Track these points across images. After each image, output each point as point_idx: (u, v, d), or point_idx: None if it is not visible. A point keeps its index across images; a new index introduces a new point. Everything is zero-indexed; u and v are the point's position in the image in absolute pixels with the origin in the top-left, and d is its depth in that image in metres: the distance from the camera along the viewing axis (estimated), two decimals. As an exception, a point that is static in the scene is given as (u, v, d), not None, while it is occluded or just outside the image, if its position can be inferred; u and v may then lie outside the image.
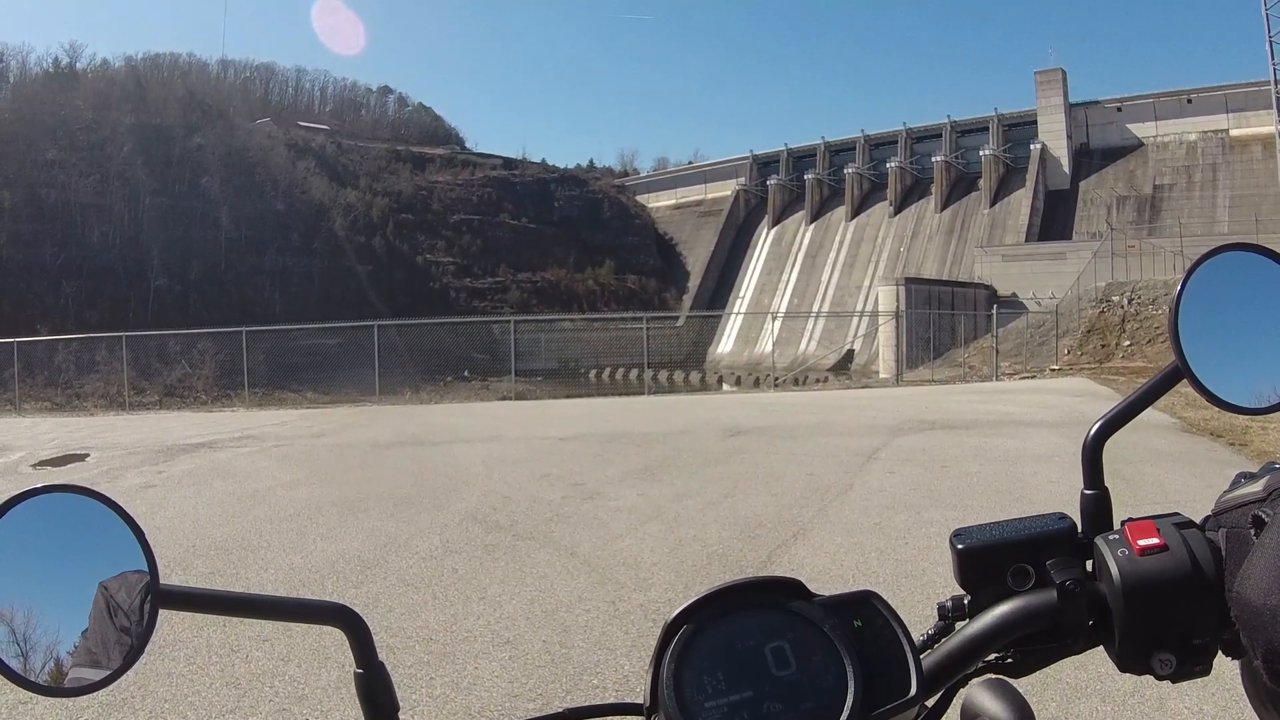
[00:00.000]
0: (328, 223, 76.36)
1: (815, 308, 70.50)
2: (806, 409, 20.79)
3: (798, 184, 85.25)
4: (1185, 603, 0.95)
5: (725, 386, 48.27)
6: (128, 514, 0.90)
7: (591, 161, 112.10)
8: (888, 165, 79.82)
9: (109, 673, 0.86)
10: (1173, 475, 11.02)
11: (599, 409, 22.84)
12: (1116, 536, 1.00)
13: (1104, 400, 21.58)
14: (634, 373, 40.11)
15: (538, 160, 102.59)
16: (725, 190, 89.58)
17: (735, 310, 76.37)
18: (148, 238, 64.32)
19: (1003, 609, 1.01)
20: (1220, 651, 0.98)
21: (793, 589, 1.00)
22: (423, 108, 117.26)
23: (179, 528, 9.54)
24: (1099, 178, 71.12)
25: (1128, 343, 36.29)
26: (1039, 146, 72.07)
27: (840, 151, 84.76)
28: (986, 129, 77.16)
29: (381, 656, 1.03)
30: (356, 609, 1.01)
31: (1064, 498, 10.50)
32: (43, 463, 14.85)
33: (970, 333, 41.32)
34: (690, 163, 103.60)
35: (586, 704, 1.09)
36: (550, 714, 1.06)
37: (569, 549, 8.34)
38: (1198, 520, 1.02)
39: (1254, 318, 1.08)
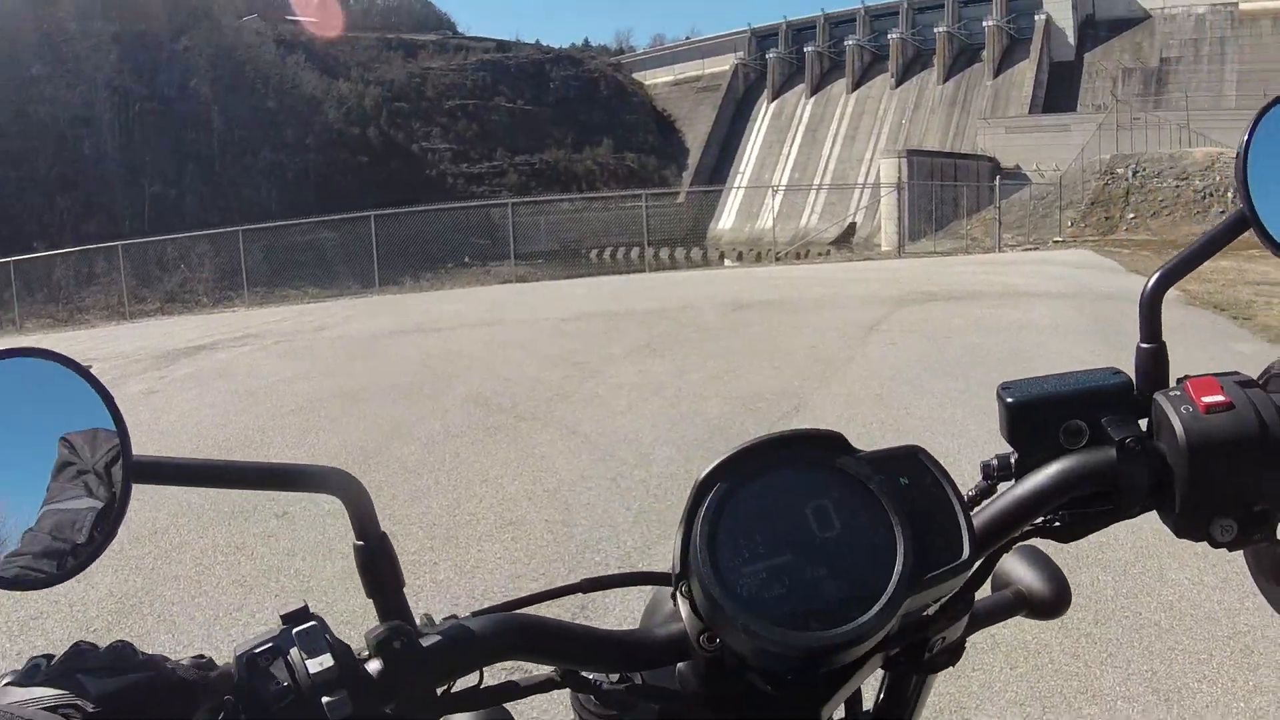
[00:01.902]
0: (321, 116, 75.28)
1: (816, 182, 69.94)
2: (808, 282, 20.74)
3: (797, 57, 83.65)
4: (1252, 465, 0.87)
5: (726, 262, 48.10)
6: (98, 382, 0.80)
7: (586, 41, 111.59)
8: (889, 37, 78.16)
9: (76, 562, 0.77)
10: (1176, 347, 10.95)
11: (600, 288, 22.80)
12: (1178, 393, 0.92)
13: (1107, 271, 21.50)
14: (635, 252, 39.81)
15: (531, 41, 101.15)
16: (723, 65, 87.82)
17: (735, 185, 75.80)
18: (139, 145, 63.45)
19: (1056, 467, 0.93)
20: None
21: (834, 443, 0.90)
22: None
23: (182, 430, 9.50)
24: (1104, 49, 69.48)
25: (1131, 215, 36.14)
26: (1044, 17, 70.34)
27: (840, 23, 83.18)
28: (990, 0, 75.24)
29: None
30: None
31: (1066, 368, 10.37)
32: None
33: (973, 205, 41.01)
34: (687, 38, 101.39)
35: (608, 574, 1.02)
36: (569, 584, 0.99)
37: (570, 428, 8.34)
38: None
39: None
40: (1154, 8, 68.44)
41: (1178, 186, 37.13)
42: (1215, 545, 0.90)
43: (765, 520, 0.85)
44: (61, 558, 0.77)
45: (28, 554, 0.76)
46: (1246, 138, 0.95)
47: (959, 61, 75.59)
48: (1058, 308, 14.63)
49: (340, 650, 0.80)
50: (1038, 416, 0.95)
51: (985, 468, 0.98)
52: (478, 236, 40.97)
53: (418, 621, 0.89)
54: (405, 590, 0.91)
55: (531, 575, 5.19)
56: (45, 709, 0.68)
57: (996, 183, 35.98)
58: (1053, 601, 1.08)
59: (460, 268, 36.96)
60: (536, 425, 8.50)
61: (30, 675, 0.72)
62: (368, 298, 25.80)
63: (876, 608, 0.82)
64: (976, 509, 0.96)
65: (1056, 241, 32.94)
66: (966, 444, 7.19)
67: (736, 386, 9.58)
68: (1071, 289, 17.33)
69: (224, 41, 74.06)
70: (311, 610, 0.82)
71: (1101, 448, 0.93)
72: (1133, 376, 0.98)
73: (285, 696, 0.76)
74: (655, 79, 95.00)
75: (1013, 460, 0.97)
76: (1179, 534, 0.91)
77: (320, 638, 0.80)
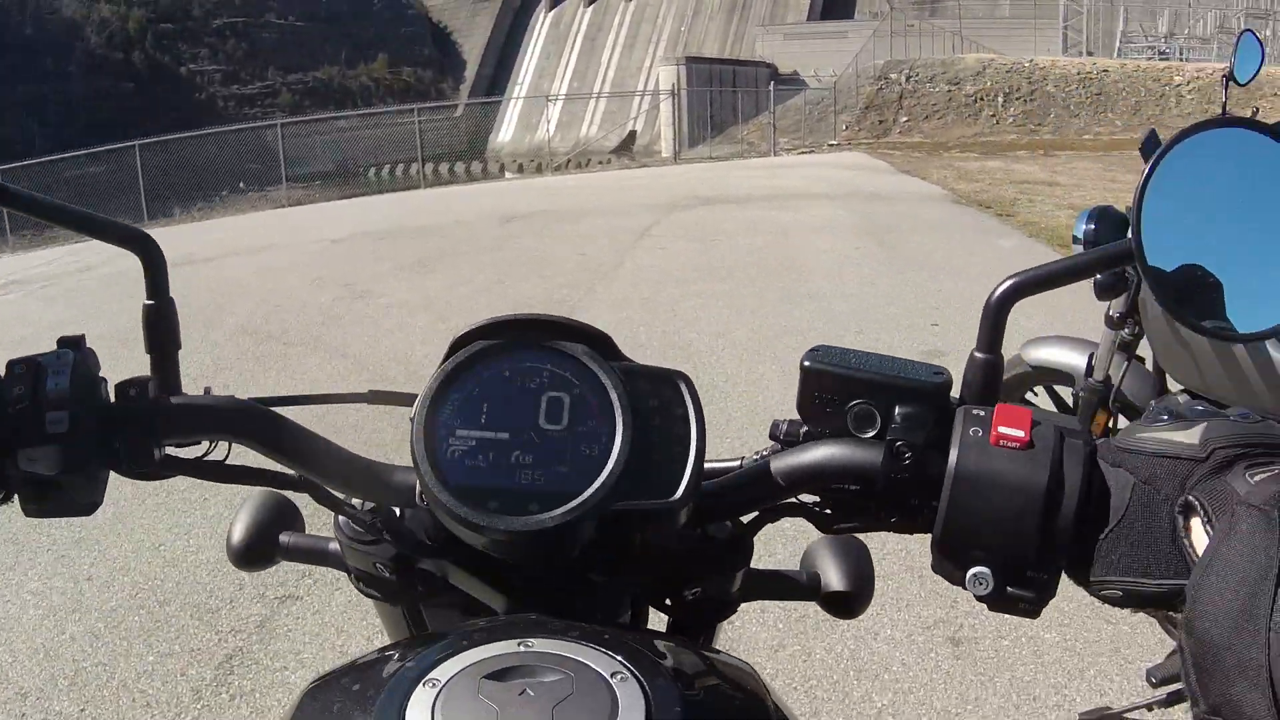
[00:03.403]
0: (83, 42, 71.63)
1: (595, 90, 69.82)
2: (584, 191, 20.75)
3: None
4: (1024, 521, 0.75)
5: (506, 175, 47.53)
6: None
7: None
8: None
9: None
10: (939, 243, 11.37)
11: (375, 207, 22.29)
12: (981, 413, 0.80)
13: (878, 173, 22.01)
14: (414, 168, 39.15)
15: None
16: None
17: (514, 96, 75.12)
18: None
19: (824, 449, 0.86)
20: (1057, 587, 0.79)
21: (601, 343, 0.88)
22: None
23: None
24: None
25: (904, 119, 36.93)
26: None
27: None
28: (773, -104, 75.65)
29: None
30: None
31: (831, 265, 11.02)
32: None
33: (750, 111, 41.37)
34: None
35: (391, 390, 1.07)
36: (354, 392, 1.08)
37: (339, 350, 8.20)
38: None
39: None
40: None
41: (949, 91, 37.98)
42: (975, 596, 0.78)
43: (500, 393, 0.85)
44: None
45: None
46: (1148, 170, 0.80)
47: None
48: (828, 208, 14.95)
49: (86, 382, 0.89)
50: (832, 391, 0.87)
51: (773, 427, 0.91)
52: (251, 161, 39.53)
53: (184, 389, 0.97)
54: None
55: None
56: None
57: (771, 88, 36.27)
58: (846, 599, 1.03)
59: (235, 194, 35.43)
60: (305, 350, 8.31)
61: None
62: (139, 234, 24.69)
63: (563, 508, 0.81)
64: (746, 466, 0.92)
65: (831, 145, 33.51)
66: (730, 343, 7.31)
67: (505, 297, 9.54)
68: (842, 190, 17.70)
69: (-27, -37, 69.86)
70: (88, 345, 0.92)
71: (880, 445, 0.83)
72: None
73: (20, 401, 0.85)
74: None
75: (800, 431, 0.89)
76: (934, 568, 0.81)
77: (69, 364, 0.88)
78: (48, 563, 4.49)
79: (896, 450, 0.81)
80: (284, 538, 1.10)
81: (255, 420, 0.93)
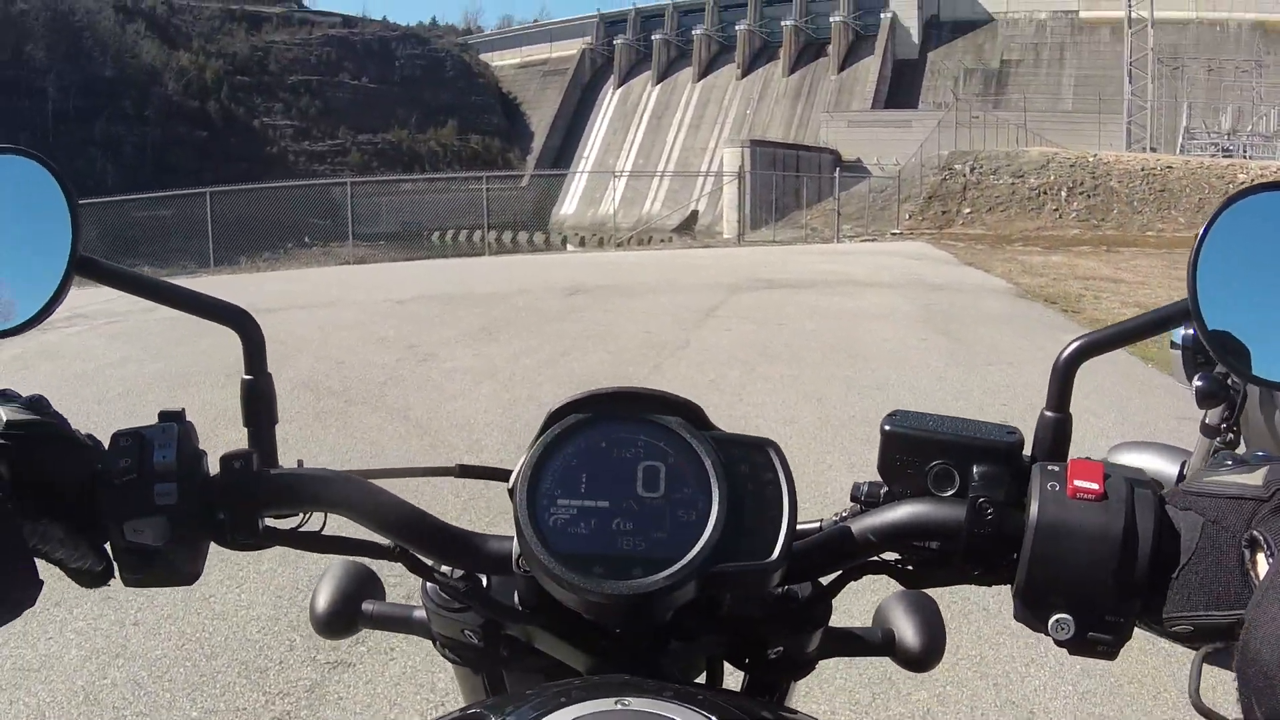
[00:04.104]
0: (160, 88, 73.49)
1: (660, 168, 70.21)
2: (647, 268, 20.76)
3: (645, 45, 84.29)
4: (1102, 567, 0.80)
5: (569, 247, 47.87)
6: (67, 183, 0.91)
7: (434, 19, 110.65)
8: (736, 28, 79.10)
9: (17, 323, 0.90)
10: (1006, 337, 11.26)
11: (439, 271, 22.44)
12: (1056, 469, 0.85)
13: (941, 263, 21.98)
14: (477, 235, 39.45)
15: (378, 18, 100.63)
16: (571, 50, 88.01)
17: (579, 170, 75.66)
18: None
19: (906, 508, 0.90)
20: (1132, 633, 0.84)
21: (691, 414, 0.92)
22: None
23: (1, 415, 9.02)
24: (948, 49, 71.68)
25: (968, 210, 36.89)
26: (889, 16, 72.04)
27: (689, 13, 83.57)
28: (838, -5, 76.94)
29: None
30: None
31: (896, 354, 10.91)
32: None
33: (813, 196, 41.52)
34: (536, 21, 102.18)
35: (478, 464, 1.10)
36: (441, 466, 1.09)
37: (401, 412, 8.15)
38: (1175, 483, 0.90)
39: None
40: (997, 11, 70.86)
41: (1013, 184, 37.80)
42: (1056, 642, 0.84)
43: (597, 463, 0.88)
44: (5, 322, 0.90)
45: None
46: (1202, 233, 0.85)
47: (804, 55, 76.70)
48: (891, 298, 14.87)
49: (189, 454, 0.90)
50: (912, 453, 0.91)
51: (855, 489, 0.96)
52: (318, 216, 40.02)
53: (281, 462, 0.98)
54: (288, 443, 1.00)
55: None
56: None
57: (837, 174, 36.33)
58: (919, 654, 1.07)
59: (300, 248, 36.20)
60: (366, 409, 8.28)
61: None
62: (202, 277, 24.97)
63: (665, 572, 0.83)
64: (828, 528, 0.95)
65: (893, 234, 33.51)
66: (797, 430, 7.21)
67: (570, 370, 9.49)
68: (906, 279, 17.65)
69: (61, 6, 71.53)
70: (187, 418, 0.93)
71: (962, 502, 0.88)
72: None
73: (127, 473, 0.87)
74: (502, 61, 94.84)
75: (881, 491, 0.94)
76: (1016, 617, 0.85)
77: (174, 437, 0.90)
78: (94, 603, 4.42)
79: (979, 507, 0.86)
80: (367, 606, 1.14)
81: (353, 491, 0.96)
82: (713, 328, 11.87)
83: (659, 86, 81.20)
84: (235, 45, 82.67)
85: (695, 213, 56.03)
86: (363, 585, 1.15)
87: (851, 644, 1.08)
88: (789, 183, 43.12)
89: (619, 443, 0.89)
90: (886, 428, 0.92)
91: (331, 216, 36.53)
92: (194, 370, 9.90)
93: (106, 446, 0.90)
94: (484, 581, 0.99)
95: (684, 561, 0.84)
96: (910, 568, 0.93)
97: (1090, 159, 38.97)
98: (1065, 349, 0.91)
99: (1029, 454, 0.90)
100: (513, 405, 8.18)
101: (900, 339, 11.07)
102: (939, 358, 10.07)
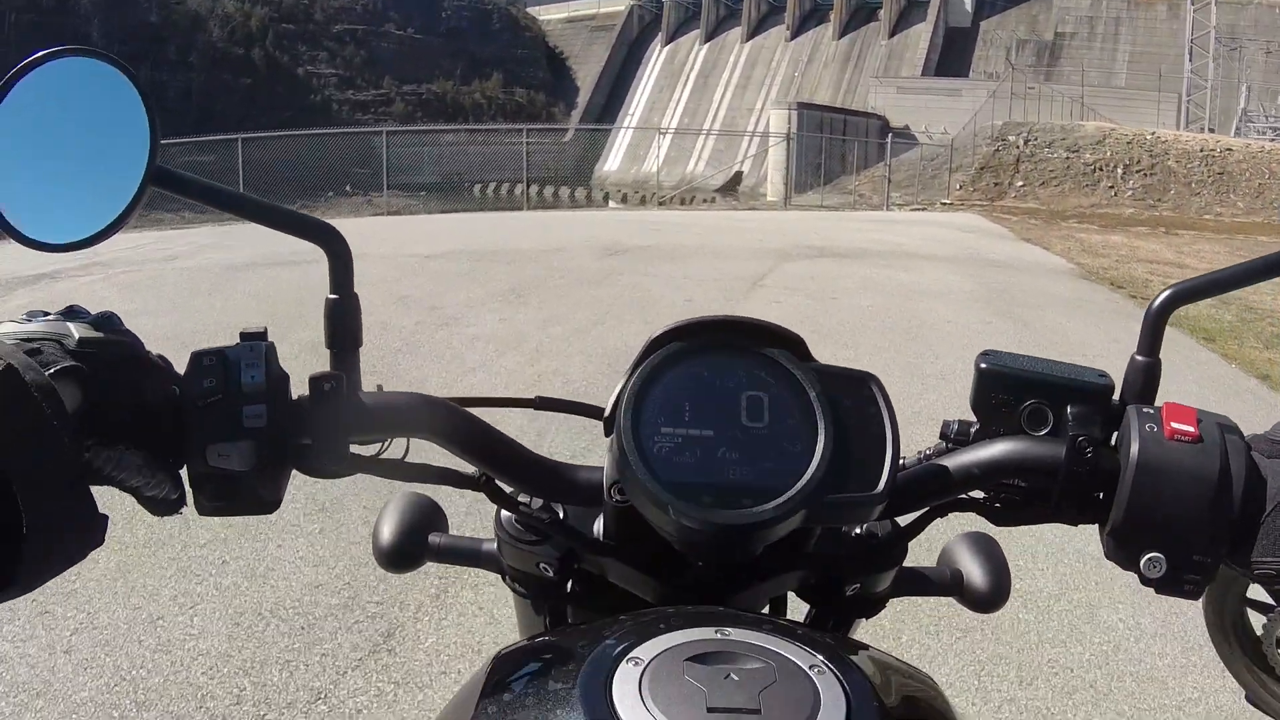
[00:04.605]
0: (205, 34, 73.01)
1: (705, 127, 69.69)
2: (690, 229, 19.93)
3: (694, 3, 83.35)
4: (1198, 508, 0.82)
5: (611, 204, 47.19)
6: (144, 86, 0.88)
7: None
8: None
9: (90, 234, 0.86)
10: (1076, 325, 10.48)
11: (475, 224, 21.78)
12: (1151, 411, 0.86)
13: (997, 238, 21.04)
14: (519, 188, 38.99)
15: None
16: (619, 5, 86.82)
17: (624, 126, 75.18)
18: (14, 58, 60.04)
19: (1002, 445, 0.90)
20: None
21: (794, 344, 0.90)
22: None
23: None
24: (1001, 19, 71.00)
25: (1020, 183, 36.06)
26: None
27: None
28: (892, -41, 76.92)
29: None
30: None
31: (959, 339, 10.14)
32: None
33: (861, 162, 40.74)
34: None
35: (557, 398, 1.12)
36: (521, 397, 1.13)
37: (414, 385, 7.40)
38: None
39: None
40: None
41: (1068, 158, 36.99)
42: (1143, 580, 0.85)
43: (700, 392, 0.87)
44: (79, 233, 0.86)
45: (53, 222, 0.87)
46: None
47: (855, 19, 75.76)
48: (948, 273, 14.03)
49: (277, 375, 0.87)
50: (1007, 391, 0.92)
51: (944, 426, 0.97)
52: (359, 166, 39.69)
53: (363, 385, 0.93)
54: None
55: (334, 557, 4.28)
56: (27, 341, 0.79)
57: (889, 140, 35.38)
58: (987, 595, 1.06)
59: (340, 197, 36.02)
60: (376, 378, 7.50)
61: (26, 320, 0.84)
62: (233, 225, 24.45)
63: (774, 502, 0.82)
64: (919, 462, 0.95)
65: (944, 204, 32.62)
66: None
67: (603, 342, 8.76)
68: (961, 253, 16.81)
69: (106, -49, 71.14)
70: (269, 338, 0.88)
71: (1058, 441, 0.89)
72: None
73: (212, 394, 0.83)
74: (549, 14, 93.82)
75: (972, 429, 0.95)
76: (1108, 555, 0.87)
77: (261, 357, 0.86)
78: (26, 620, 3.72)
79: (1079, 445, 0.87)
80: (434, 538, 1.11)
81: (444, 417, 0.93)
82: (761, 299, 11.08)
83: (707, 45, 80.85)
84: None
85: (739, 174, 55.52)
86: (428, 517, 1.12)
87: (922, 584, 1.07)
88: (835, 147, 42.52)
89: (722, 372, 0.88)
90: (982, 365, 0.93)
91: (371, 165, 36.39)
92: (204, 326, 9.26)
93: (183, 369, 0.86)
94: (560, 514, 0.97)
95: (793, 491, 0.83)
96: (998, 506, 0.93)
97: (1148, 137, 38.13)
98: (1157, 296, 0.91)
99: (1119, 397, 0.92)
100: (538, 381, 7.46)
101: (962, 321, 10.28)
102: (1005, 344, 9.20)
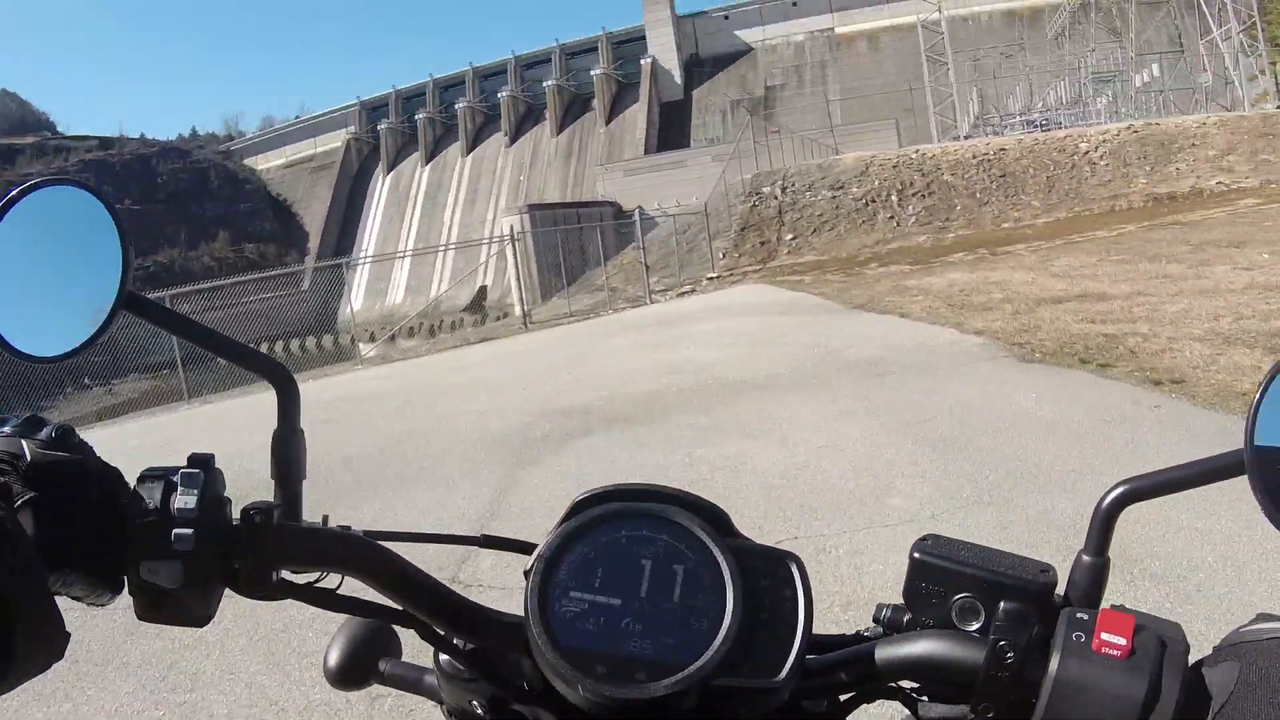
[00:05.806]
0: None
1: (442, 243, 68.89)
2: (381, 402, 12.82)
3: (409, 126, 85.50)
4: None
5: (363, 349, 41.76)
6: (120, 217, 0.94)
7: (194, 129, 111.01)
8: (499, 96, 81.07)
9: (63, 352, 0.92)
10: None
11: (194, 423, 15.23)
12: (1085, 617, 0.79)
13: (819, 314, 15.32)
14: (264, 346, 33.67)
15: (136, 135, 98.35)
16: (336, 142, 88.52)
17: (357, 261, 71.15)
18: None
19: (927, 642, 0.86)
20: None
21: (718, 520, 0.91)
22: (6, 94, 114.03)
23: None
24: (711, 85, 76.01)
25: (790, 235, 32.40)
26: (649, 61, 76.33)
27: (450, 87, 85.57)
28: (596, 49, 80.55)
29: None
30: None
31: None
32: None
33: (607, 250, 35.64)
34: (297, 118, 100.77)
35: (502, 536, 1.07)
36: (465, 535, 1.07)
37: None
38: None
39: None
40: (755, 40, 77.34)
41: (835, 197, 33.83)
42: None
43: (615, 559, 0.87)
44: (60, 348, 0.92)
45: (38, 337, 0.91)
46: (1264, 383, 0.80)
47: (571, 112, 79.92)
48: (813, 408, 8.34)
49: (213, 502, 0.88)
50: (938, 583, 0.88)
51: (878, 611, 0.93)
52: (93, 354, 33.68)
53: (304, 517, 0.95)
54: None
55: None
56: None
57: (637, 218, 30.32)
58: None
59: (81, 391, 34.38)
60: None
61: None
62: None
63: (668, 679, 0.81)
64: (845, 647, 0.91)
65: (710, 279, 27.24)
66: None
67: None
68: (803, 357, 11.12)
69: None
70: (216, 465, 0.90)
71: (984, 642, 0.84)
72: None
73: (148, 515, 0.86)
74: (268, 163, 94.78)
75: (904, 618, 0.90)
76: None
77: (199, 483, 0.88)
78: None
79: (999, 650, 0.82)
80: (384, 664, 1.12)
81: (368, 556, 0.94)
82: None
83: (429, 166, 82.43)
84: (-11, 182, 75.82)
85: (484, 288, 54.89)
86: (379, 641, 1.13)
87: None
88: (572, 241, 38.17)
89: (640, 540, 0.88)
90: (916, 555, 0.89)
91: (112, 352, 31.67)
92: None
93: (133, 481, 0.89)
94: (496, 657, 0.97)
95: (688, 671, 0.81)
96: (923, 698, 0.90)
97: (914, 155, 35.63)
98: (1108, 494, 0.86)
99: (1062, 593, 0.86)
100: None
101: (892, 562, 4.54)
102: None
